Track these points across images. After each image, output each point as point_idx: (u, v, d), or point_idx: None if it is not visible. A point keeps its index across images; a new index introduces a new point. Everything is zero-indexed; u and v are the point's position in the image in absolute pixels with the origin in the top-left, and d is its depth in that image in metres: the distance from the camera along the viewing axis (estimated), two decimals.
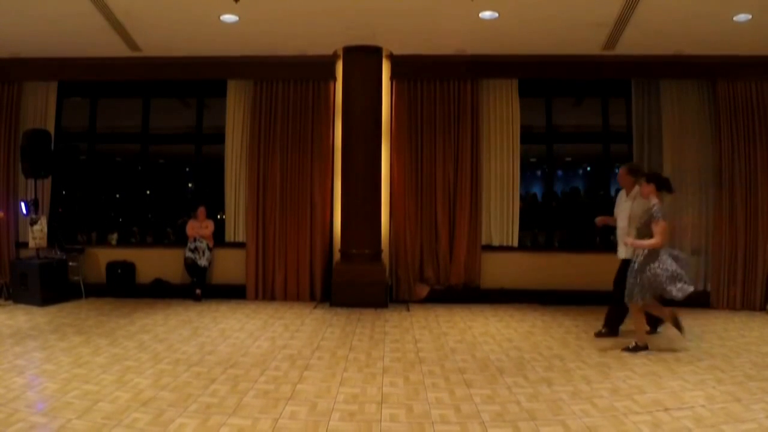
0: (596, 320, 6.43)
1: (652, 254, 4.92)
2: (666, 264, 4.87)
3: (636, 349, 5.02)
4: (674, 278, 4.85)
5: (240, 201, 7.93)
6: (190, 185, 10.23)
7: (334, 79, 7.76)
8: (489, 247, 7.75)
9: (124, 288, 7.73)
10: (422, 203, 7.67)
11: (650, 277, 4.87)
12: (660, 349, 5.13)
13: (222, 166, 7.98)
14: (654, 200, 5.00)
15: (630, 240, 5.09)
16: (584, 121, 8.77)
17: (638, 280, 4.94)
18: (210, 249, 7.74)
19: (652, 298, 5.00)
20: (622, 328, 5.67)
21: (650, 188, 5.08)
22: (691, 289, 4.91)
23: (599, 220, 5.87)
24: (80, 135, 8.38)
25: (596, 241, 8.09)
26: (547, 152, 8.25)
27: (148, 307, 6.99)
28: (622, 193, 5.76)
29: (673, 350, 5.11)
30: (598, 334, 5.69)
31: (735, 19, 6.21)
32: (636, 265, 5.01)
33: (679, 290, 4.83)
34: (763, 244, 7.23)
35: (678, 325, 5.11)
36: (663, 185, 5.12)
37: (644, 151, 7.64)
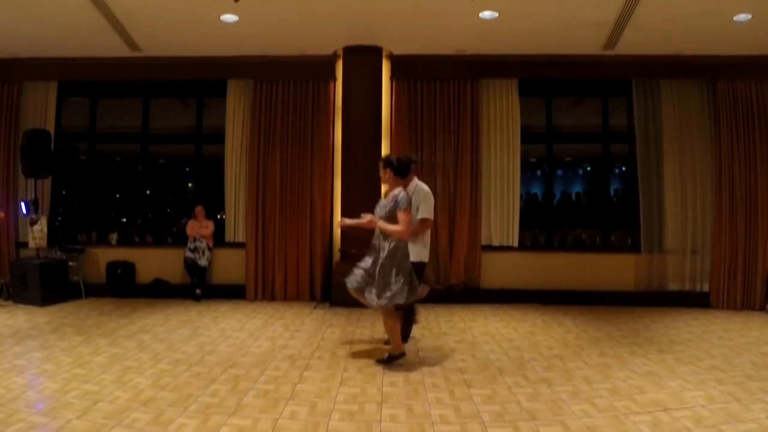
0: (597, 320, 6.46)
1: (400, 248, 4.45)
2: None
3: (391, 359, 4.59)
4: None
5: (240, 201, 7.92)
6: (190, 185, 10.23)
7: (334, 79, 7.76)
8: (489, 247, 7.74)
9: (124, 288, 7.72)
10: None
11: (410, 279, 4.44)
12: (660, 350, 5.14)
13: (222, 166, 7.98)
14: (398, 188, 4.52)
15: (378, 221, 4.45)
16: (584, 121, 8.77)
17: (403, 280, 4.40)
18: (210, 249, 7.74)
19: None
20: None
21: (387, 174, 4.57)
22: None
23: (344, 224, 4.89)
24: (80, 135, 8.38)
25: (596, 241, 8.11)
26: (547, 152, 8.25)
27: (148, 307, 7.00)
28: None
29: (673, 350, 5.11)
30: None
31: (735, 19, 6.21)
32: (386, 262, 4.42)
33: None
34: (763, 244, 7.23)
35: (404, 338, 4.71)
36: (398, 171, 4.57)
37: (645, 151, 7.63)
